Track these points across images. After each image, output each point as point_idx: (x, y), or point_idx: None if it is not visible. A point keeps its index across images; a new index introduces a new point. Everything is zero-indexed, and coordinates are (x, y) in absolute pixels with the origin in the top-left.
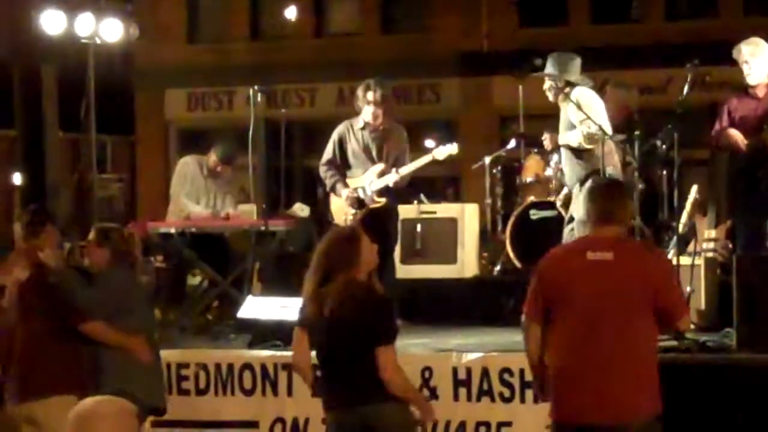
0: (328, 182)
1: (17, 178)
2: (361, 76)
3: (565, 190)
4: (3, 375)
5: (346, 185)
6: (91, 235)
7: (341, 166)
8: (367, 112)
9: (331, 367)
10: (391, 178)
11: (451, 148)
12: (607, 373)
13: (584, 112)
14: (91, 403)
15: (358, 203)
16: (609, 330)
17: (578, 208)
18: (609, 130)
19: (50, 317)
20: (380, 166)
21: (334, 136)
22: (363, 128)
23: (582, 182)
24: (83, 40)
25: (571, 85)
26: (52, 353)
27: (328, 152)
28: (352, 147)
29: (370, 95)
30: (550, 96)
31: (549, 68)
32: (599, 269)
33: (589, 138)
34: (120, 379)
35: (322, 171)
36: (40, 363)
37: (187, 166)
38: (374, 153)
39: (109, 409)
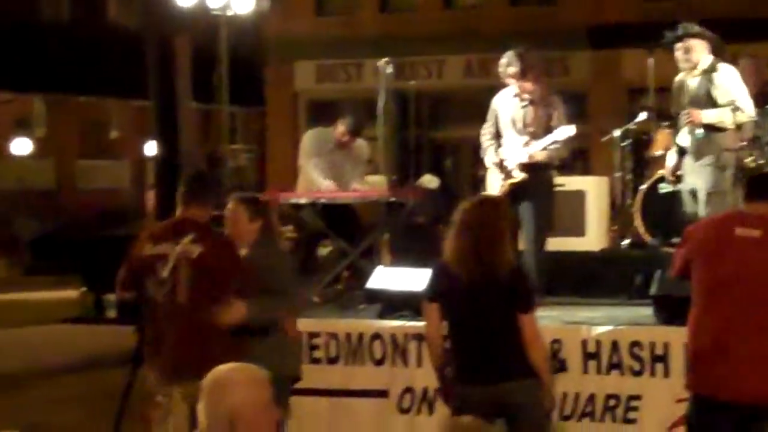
0: (482, 151)
1: (149, 149)
2: (488, 48)
3: (672, 161)
4: (149, 348)
5: (494, 155)
6: (239, 207)
7: (496, 135)
8: (512, 85)
9: (469, 338)
10: (524, 155)
11: (570, 130)
12: (753, 351)
13: (732, 93)
14: (225, 370)
15: (505, 174)
16: (754, 308)
17: (707, 181)
18: (752, 109)
19: (222, 296)
20: (524, 139)
21: (492, 104)
22: (514, 96)
23: (712, 156)
24: (215, 12)
25: (714, 52)
26: (217, 332)
27: (487, 121)
28: (504, 117)
29: (510, 70)
30: (683, 63)
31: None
32: (746, 245)
33: (738, 121)
34: (272, 358)
35: (481, 139)
36: (208, 342)
37: (313, 138)
38: (521, 124)
39: (241, 376)
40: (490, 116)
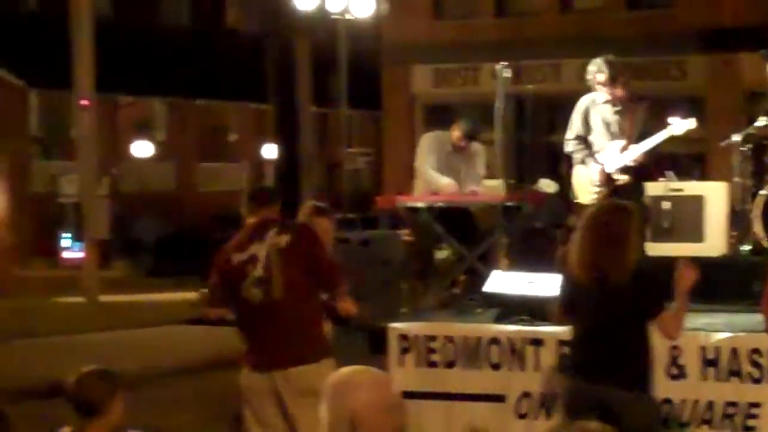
0: (578, 156)
1: (267, 152)
2: (605, 52)
3: None
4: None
5: (596, 160)
6: (327, 219)
7: (584, 140)
8: (601, 91)
9: (586, 338)
10: (631, 155)
11: (689, 123)
12: None
13: None
14: (348, 372)
15: (606, 180)
16: None
17: None
18: None
19: (312, 280)
20: (621, 142)
21: (579, 109)
22: (605, 102)
23: None
24: (335, 16)
25: None
26: (315, 316)
27: (575, 126)
28: (595, 121)
29: (599, 77)
30: None
31: None
32: None
33: None
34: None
35: (571, 145)
36: (310, 327)
37: (429, 141)
38: (616, 128)
39: (364, 378)
40: (578, 122)
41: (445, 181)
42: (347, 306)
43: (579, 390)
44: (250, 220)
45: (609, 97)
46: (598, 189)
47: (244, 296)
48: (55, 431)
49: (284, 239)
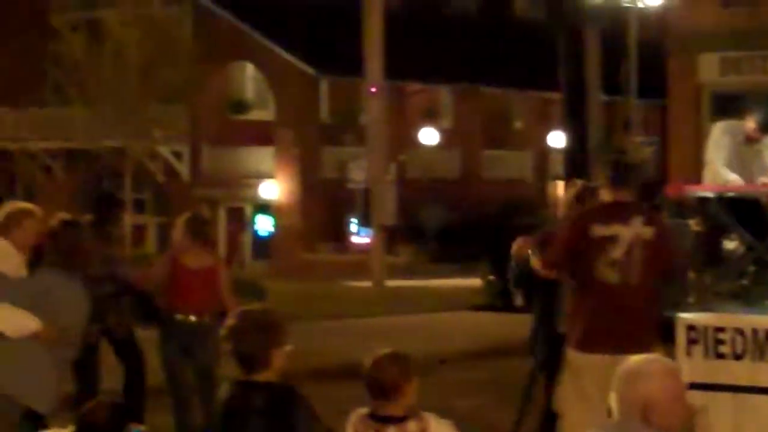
0: None
1: (552, 139)
2: None
3: None
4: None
5: None
6: (594, 199)
7: None
8: None
9: None
10: None
11: None
12: None
13: None
14: (641, 361)
15: None
16: None
17: None
18: None
19: (661, 272)
20: None
21: None
22: None
23: None
24: (626, 5)
25: None
26: (657, 305)
27: None
28: None
29: None
30: None
31: None
32: None
33: None
34: None
35: None
36: (653, 315)
37: (722, 131)
38: None
39: (656, 367)
40: None
41: (733, 177)
42: None
43: None
44: (606, 197)
45: None
46: None
47: (596, 274)
48: (353, 412)
49: (650, 231)
